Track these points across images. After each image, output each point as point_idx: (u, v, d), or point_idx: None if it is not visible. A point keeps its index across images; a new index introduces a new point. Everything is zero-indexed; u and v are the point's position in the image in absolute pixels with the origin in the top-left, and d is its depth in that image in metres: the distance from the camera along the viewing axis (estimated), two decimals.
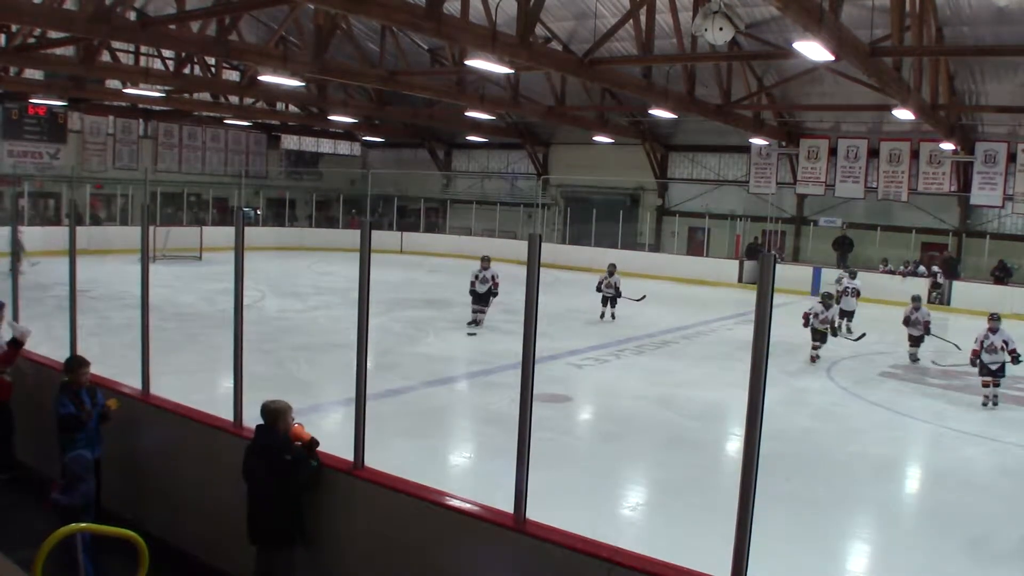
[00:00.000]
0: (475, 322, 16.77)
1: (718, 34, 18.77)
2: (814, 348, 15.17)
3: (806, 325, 15.18)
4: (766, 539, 3.95)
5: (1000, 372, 12.13)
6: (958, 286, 25.99)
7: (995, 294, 25.07)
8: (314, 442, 5.28)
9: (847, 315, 17.99)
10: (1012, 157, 25.65)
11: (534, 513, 4.40)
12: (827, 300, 15.49)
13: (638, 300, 18.34)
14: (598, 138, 30.46)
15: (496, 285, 16.71)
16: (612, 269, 18.61)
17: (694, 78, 21.82)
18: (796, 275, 26.79)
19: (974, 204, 27.08)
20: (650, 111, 22.97)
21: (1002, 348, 12.09)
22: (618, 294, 18.20)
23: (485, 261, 17.03)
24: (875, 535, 7.72)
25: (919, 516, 8.31)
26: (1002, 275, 26.39)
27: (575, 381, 12.72)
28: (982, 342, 12.18)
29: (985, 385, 12.23)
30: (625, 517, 7.55)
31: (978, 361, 12.22)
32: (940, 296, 25.32)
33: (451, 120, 30.99)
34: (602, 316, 18.30)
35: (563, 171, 35.28)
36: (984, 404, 12.18)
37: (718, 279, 27.52)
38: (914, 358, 15.42)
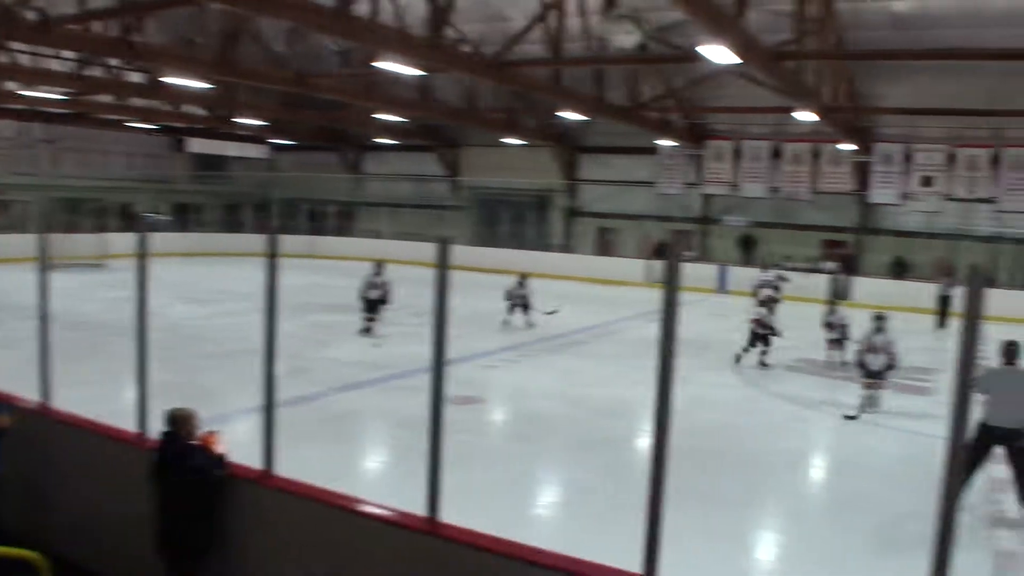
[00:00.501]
0: (367, 331, 16.03)
1: (626, 37, 19.13)
2: (762, 353, 14.88)
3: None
4: (678, 534, 4.00)
5: (881, 375, 11.76)
6: (858, 281, 26.81)
7: (894, 289, 25.97)
8: (222, 454, 5.18)
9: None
10: (908, 157, 26.57)
11: (448, 516, 4.40)
12: (770, 304, 15.48)
13: (548, 314, 18.06)
14: (508, 140, 30.57)
15: (388, 292, 16.12)
16: (523, 281, 18.12)
17: (603, 81, 22.07)
18: (702, 273, 27.35)
19: (873, 202, 27.97)
20: (560, 113, 23.14)
21: (882, 350, 11.66)
22: (526, 305, 17.77)
23: (377, 267, 16.33)
24: (785, 526, 7.91)
25: (827, 506, 8.53)
26: (899, 271, 27.37)
27: (487, 382, 12.74)
28: (867, 343, 11.91)
29: (865, 387, 11.82)
30: (540, 516, 7.60)
31: (860, 362, 11.86)
32: (840, 292, 26.05)
33: (361, 123, 30.77)
34: (505, 322, 17.84)
35: (474, 173, 35.32)
36: (860, 409, 11.61)
37: (628, 279, 27.84)
38: (835, 358, 15.06)
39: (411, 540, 4.49)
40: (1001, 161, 25.93)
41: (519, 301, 17.72)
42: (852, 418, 11.20)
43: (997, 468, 8.27)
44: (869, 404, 11.70)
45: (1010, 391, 7.80)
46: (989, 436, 7.80)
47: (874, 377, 11.71)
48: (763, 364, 14.80)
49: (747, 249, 29.82)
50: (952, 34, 20.00)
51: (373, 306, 16.09)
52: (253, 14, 17.12)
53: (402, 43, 14.82)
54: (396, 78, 19.80)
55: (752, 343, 14.88)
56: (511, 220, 32.08)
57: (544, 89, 20.17)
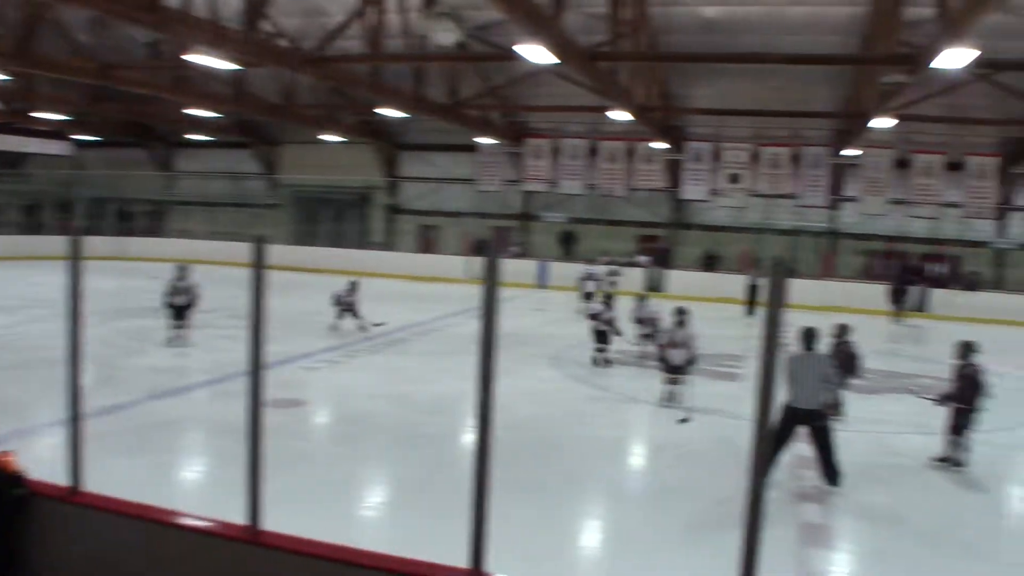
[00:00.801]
0: (175, 339, 14.92)
1: (445, 35, 19.18)
2: (599, 351, 14.80)
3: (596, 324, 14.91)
4: (505, 526, 4.04)
5: (682, 369, 11.75)
6: (672, 274, 27.90)
7: (705, 280, 27.21)
8: (18, 472, 4.85)
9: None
10: (716, 155, 27.84)
11: (273, 523, 4.28)
12: (608, 300, 15.37)
13: (376, 326, 17.34)
14: (328, 137, 30.11)
15: (195, 296, 15.07)
16: (353, 286, 17.29)
17: (423, 78, 22.06)
18: (522, 269, 27.83)
19: (684, 198, 29.15)
20: (380, 110, 22.98)
21: (683, 345, 11.66)
22: (355, 311, 17.06)
23: (181, 270, 15.19)
24: (606, 513, 8.12)
25: (645, 492, 8.81)
26: (710, 263, 28.68)
27: (309, 384, 12.49)
28: (668, 338, 11.90)
29: (667, 382, 11.89)
30: (366, 518, 7.51)
31: (661, 357, 11.94)
32: (655, 284, 27.02)
33: (172, 118, 29.55)
34: (333, 328, 17.01)
35: (292, 171, 34.62)
36: (661, 403, 11.83)
37: (449, 275, 27.98)
38: (648, 351, 15.01)
39: (232, 551, 4.34)
40: (800, 159, 27.55)
41: (348, 306, 17.10)
42: (685, 421, 11.01)
43: (801, 447, 8.80)
44: (670, 399, 11.80)
45: (809, 374, 8.33)
46: (792, 417, 8.33)
47: (675, 372, 11.74)
48: (605, 361, 14.74)
49: (568, 245, 30.52)
50: (756, 39, 21.06)
51: (180, 312, 14.96)
52: (54, 1, 16.18)
53: (215, 36, 14.33)
54: (210, 72, 19.16)
55: (599, 341, 14.84)
56: (331, 218, 31.60)
57: (363, 85, 19.97)
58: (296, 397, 11.38)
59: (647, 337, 15.06)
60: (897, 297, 24.95)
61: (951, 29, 11.63)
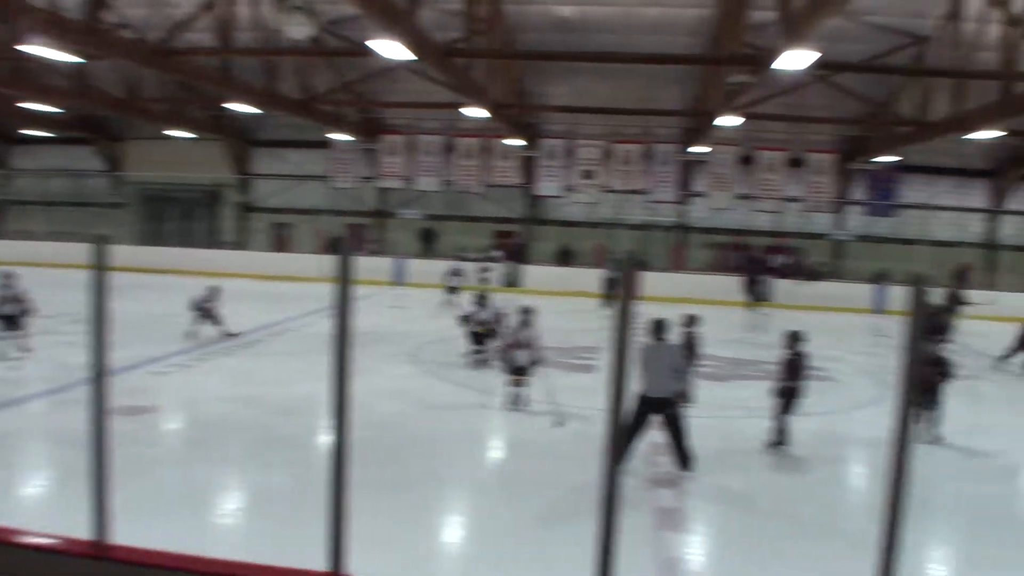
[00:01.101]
0: (18, 348, 13.74)
1: (298, 29, 18.80)
2: (477, 353, 14.42)
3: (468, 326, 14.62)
4: (365, 525, 4.00)
5: (525, 371, 11.35)
6: (528, 269, 28.20)
7: (561, 275, 27.64)
8: None
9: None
10: (570, 152, 28.28)
11: (122, 536, 4.11)
12: (482, 300, 14.77)
13: (235, 335, 16.42)
14: (175, 133, 29.08)
15: (27, 303, 13.85)
16: (212, 292, 16.20)
17: (275, 72, 21.61)
18: (379, 266, 27.65)
19: (539, 195, 29.52)
20: (229, 105, 22.39)
21: (527, 345, 11.31)
22: (215, 318, 16.09)
23: (6, 278, 13.87)
24: (465, 508, 8.14)
25: (504, 485, 8.85)
26: (565, 258, 29.16)
27: (159, 389, 12.03)
28: (512, 338, 11.48)
29: (512, 384, 11.50)
30: (223, 525, 7.30)
31: (505, 358, 11.60)
32: (511, 280, 27.25)
33: (7, 112, 27.94)
34: (189, 334, 15.88)
35: (138, 168, 33.26)
36: (504, 405, 11.49)
37: (304, 274, 27.41)
38: (478, 355, 14.71)
39: (79, 567, 4.14)
40: (651, 156, 28.29)
41: (206, 312, 16.06)
42: (560, 425, 10.66)
43: (655, 434, 9.05)
44: (515, 402, 11.46)
45: (660, 364, 8.58)
46: (646, 406, 8.56)
47: (519, 373, 11.38)
48: (483, 363, 14.34)
49: (428, 242, 30.47)
50: (609, 39, 21.54)
51: (12, 322, 13.82)
52: None
53: (54, 26, 13.62)
54: (48, 64, 18.24)
55: (476, 342, 14.56)
56: (180, 217, 30.50)
57: (212, 79, 19.39)
58: (145, 403, 10.94)
59: (480, 338, 14.60)
60: (751, 288, 26.05)
61: (792, 32, 12.15)
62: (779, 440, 9.98)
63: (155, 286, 23.09)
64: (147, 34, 17.99)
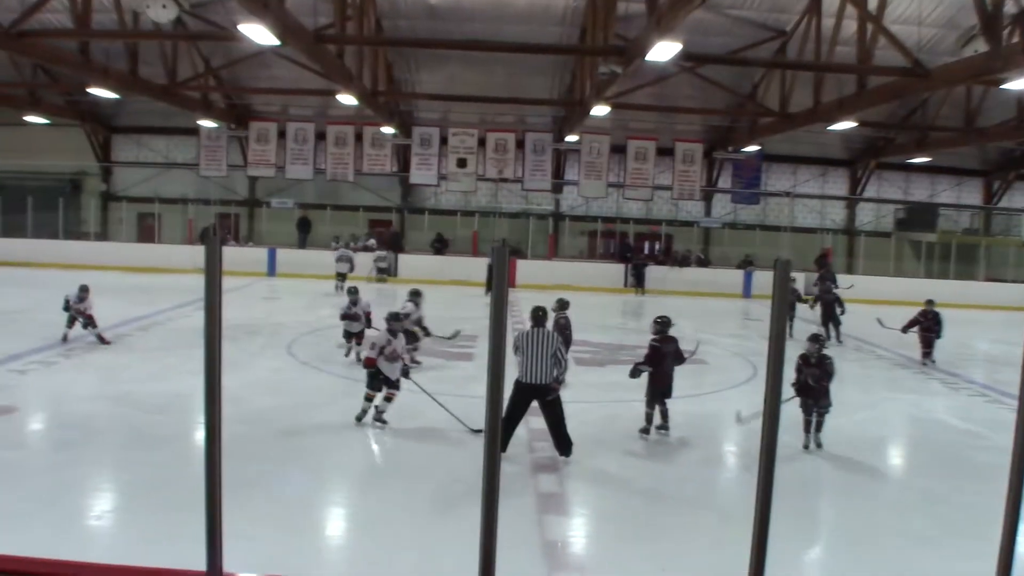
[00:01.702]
0: None
1: (161, 12, 18.16)
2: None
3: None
4: (244, 522, 3.93)
5: (395, 385, 10.18)
6: (403, 259, 28.10)
7: (436, 264, 27.64)
8: None
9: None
10: (444, 140, 28.23)
11: None
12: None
13: (106, 343, 14.77)
14: (31, 118, 27.70)
15: None
16: (83, 292, 14.56)
17: (137, 56, 20.89)
18: (252, 257, 27.13)
19: (413, 183, 29.40)
20: (89, 90, 21.51)
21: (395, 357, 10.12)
22: (88, 322, 14.62)
23: None
24: (346, 499, 8.07)
25: (390, 473, 8.83)
26: (440, 246, 29.18)
27: (19, 389, 11.45)
28: (382, 347, 10.06)
29: (368, 399, 10.23)
30: (92, 528, 7.01)
31: (377, 370, 10.09)
32: (387, 270, 27.12)
33: None
34: (65, 338, 14.53)
35: None
36: (359, 418, 10.20)
37: (172, 266, 26.49)
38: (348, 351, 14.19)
39: None
40: (524, 145, 28.48)
41: (80, 313, 14.61)
42: (479, 431, 9.53)
43: (536, 420, 9.16)
44: (364, 417, 10.22)
45: (538, 350, 8.68)
46: (524, 392, 8.66)
47: (392, 387, 10.20)
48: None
49: (305, 231, 30.03)
50: (480, 27, 21.58)
51: None
52: None
53: None
54: None
55: (347, 340, 14.02)
56: (38, 207, 29.03)
57: (70, 63, 18.56)
58: (5, 403, 10.42)
59: (352, 336, 13.97)
60: (634, 273, 27.00)
61: (660, 24, 12.41)
62: (649, 426, 10.15)
63: (12, 280, 22.05)
64: None
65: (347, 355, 14.13)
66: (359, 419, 10.17)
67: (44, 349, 14.00)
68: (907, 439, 11.55)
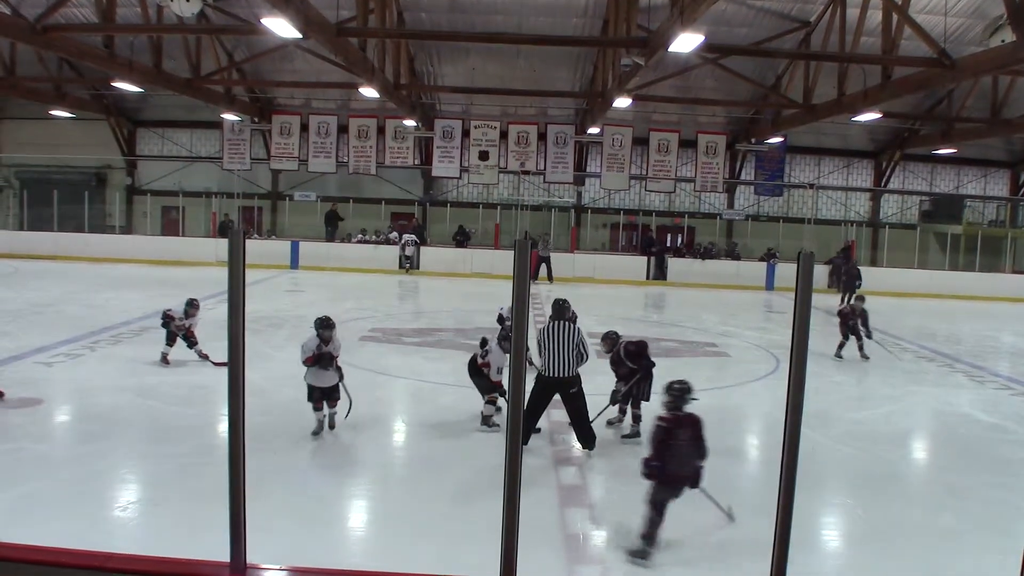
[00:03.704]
0: None
1: (184, 6, 18.22)
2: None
3: None
4: (264, 515, 3.95)
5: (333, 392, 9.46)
6: (426, 251, 28.15)
7: (458, 256, 27.69)
8: None
9: None
10: (466, 132, 28.19)
11: (13, 534, 3.96)
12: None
13: (218, 365, 14.50)
14: (57, 112, 27.94)
15: None
16: (191, 308, 13.28)
17: (161, 50, 20.99)
18: (275, 250, 27.23)
19: (435, 176, 29.39)
20: (114, 84, 21.64)
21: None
22: (191, 341, 13.01)
23: None
24: (372, 491, 8.07)
25: (409, 467, 8.85)
26: (462, 239, 29.20)
27: (46, 381, 11.56)
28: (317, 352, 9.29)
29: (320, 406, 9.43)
30: (118, 519, 7.07)
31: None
32: (411, 259, 27.28)
33: None
34: (165, 359, 12.98)
35: (17, 149, 31.81)
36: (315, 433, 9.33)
37: (196, 259, 26.66)
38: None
39: None
40: (546, 137, 28.40)
41: (180, 330, 12.95)
42: (489, 426, 9.66)
43: (559, 413, 9.17)
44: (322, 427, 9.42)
45: (560, 344, 8.65)
46: (547, 385, 8.65)
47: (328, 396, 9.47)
48: None
49: (333, 224, 30.10)
50: (503, 20, 21.56)
51: None
52: None
53: None
54: None
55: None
56: (64, 201, 29.26)
57: (95, 57, 18.68)
58: (32, 395, 10.52)
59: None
60: (657, 263, 27.03)
61: (683, 15, 12.34)
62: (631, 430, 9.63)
63: (38, 273, 22.25)
64: (24, 9, 17.26)
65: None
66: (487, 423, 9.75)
67: (70, 341, 14.12)
68: (932, 433, 11.45)
